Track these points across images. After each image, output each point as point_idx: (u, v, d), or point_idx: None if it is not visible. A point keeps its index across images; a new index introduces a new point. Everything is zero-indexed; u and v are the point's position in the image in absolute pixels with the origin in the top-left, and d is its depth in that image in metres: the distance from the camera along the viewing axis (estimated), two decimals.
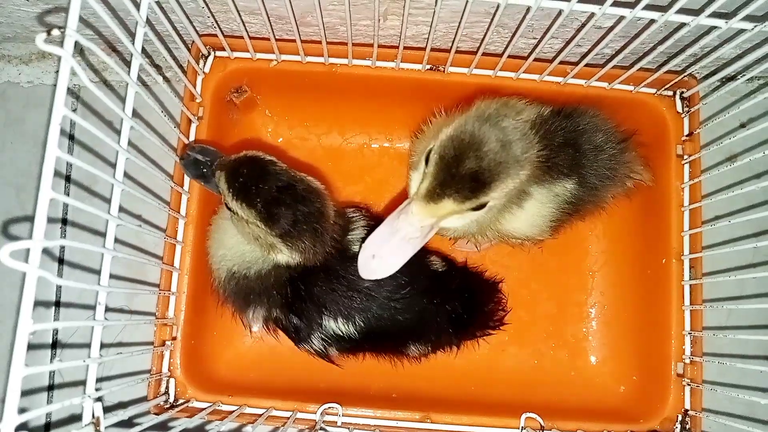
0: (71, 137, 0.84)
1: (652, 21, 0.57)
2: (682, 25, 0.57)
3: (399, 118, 0.82)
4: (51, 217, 0.82)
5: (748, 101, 0.65)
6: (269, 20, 0.66)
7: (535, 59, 0.70)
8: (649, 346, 0.76)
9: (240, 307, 0.69)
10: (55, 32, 0.41)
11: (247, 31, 0.69)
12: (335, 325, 0.67)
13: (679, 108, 0.76)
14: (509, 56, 0.70)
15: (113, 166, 0.54)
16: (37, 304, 0.80)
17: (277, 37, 0.70)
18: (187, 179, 0.73)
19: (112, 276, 0.53)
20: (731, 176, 0.82)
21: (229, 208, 0.62)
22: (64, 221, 0.83)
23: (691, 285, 0.73)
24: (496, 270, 0.81)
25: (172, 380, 0.70)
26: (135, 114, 0.54)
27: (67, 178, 0.83)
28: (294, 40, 0.70)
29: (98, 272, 0.52)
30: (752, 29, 0.56)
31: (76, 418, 0.50)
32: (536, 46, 0.70)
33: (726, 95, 0.75)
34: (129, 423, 0.55)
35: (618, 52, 0.71)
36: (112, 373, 0.78)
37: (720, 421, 0.65)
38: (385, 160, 0.84)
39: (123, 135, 0.54)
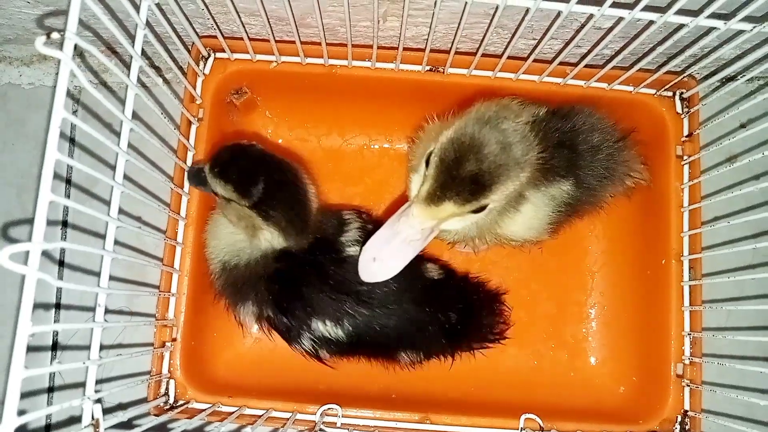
0: (72, 140, 0.84)
1: (652, 22, 0.57)
2: (682, 26, 0.57)
3: (399, 119, 0.82)
4: (51, 220, 0.83)
5: (747, 102, 0.65)
6: (269, 22, 0.66)
7: (535, 60, 0.70)
8: (649, 346, 0.76)
9: (232, 301, 0.70)
10: (55, 35, 0.41)
11: (246, 32, 0.69)
12: (324, 328, 0.67)
13: (678, 109, 0.76)
14: (509, 57, 0.70)
15: (114, 168, 0.54)
16: (38, 306, 0.81)
17: (276, 39, 0.70)
18: (187, 180, 0.73)
19: (112, 278, 0.53)
20: (731, 177, 0.82)
21: (216, 193, 0.66)
22: (65, 224, 0.83)
23: (690, 286, 0.73)
24: (496, 271, 0.81)
25: (172, 381, 0.70)
26: (135, 116, 0.55)
27: (68, 181, 0.84)
28: (294, 42, 0.70)
29: (98, 274, 0.52)
30: (751, 30, 0.56)
31: (76, 420, 0.50)
32: (536, 47, 0.70)
33: (726, 96, 0.76)
34: (129, 424, 0.55)
35: (617, 52, 0.71)
36: (112, 374, 0.78)
37: (719, 422, 0.65)
38: (385, 161, 0.84)
39: (123, 137, 0.54)
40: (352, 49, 0.71)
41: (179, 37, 0.67)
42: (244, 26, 0.68)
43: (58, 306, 0.82)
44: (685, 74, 0.73)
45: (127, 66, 0.55)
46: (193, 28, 0.69)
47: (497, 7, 0.56)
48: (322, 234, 0.69)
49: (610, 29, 0.65)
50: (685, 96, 0.76)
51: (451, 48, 0.70)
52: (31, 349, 0.80)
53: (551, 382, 0.80)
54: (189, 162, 0.73)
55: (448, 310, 0.70)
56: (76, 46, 0.43)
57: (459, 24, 0.63)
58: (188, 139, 0.73)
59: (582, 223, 0.80)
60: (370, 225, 0.72)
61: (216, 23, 0.70)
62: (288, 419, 0.68)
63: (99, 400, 0.50)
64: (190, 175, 0.70)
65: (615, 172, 0.68)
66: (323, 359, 0.72)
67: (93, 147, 0.83)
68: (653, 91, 0.76)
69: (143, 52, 0.63)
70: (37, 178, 0.41)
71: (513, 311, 0.80)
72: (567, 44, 0.73)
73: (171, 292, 0.71)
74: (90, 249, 0.48)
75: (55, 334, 0.81)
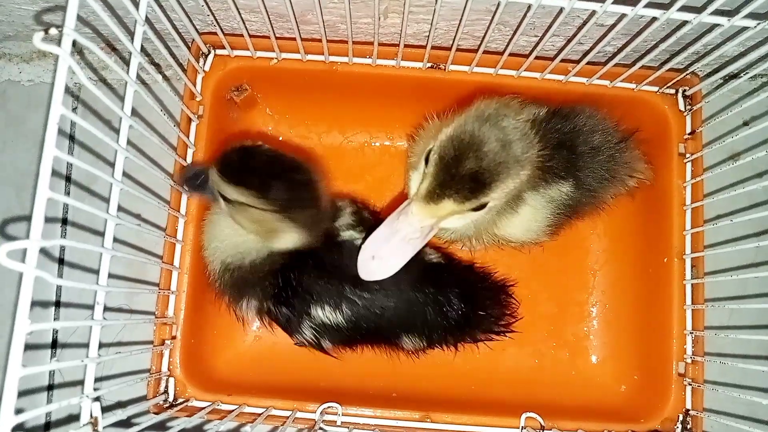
0: (71, 137, 0.84)
1: (654, 19, 0.56)
2: (685, 22, 0.57)
3: (400, 116, 0.81)
4: (51, 217, 0.82)
5: (751, 99, 0.64)
6: (269, 18, 0.66)
7: (537, 57, 0.69)
8: (651, 345, 0.76)
9: (234, 299, 0.70)
10: (53, 31, 0.41)
11: (247, 29, 0.69)
12: (323, 314, 0.67)
13: (681, 106, 0.76)
14: (510, 54, 0.70)
15: (113, 165, 0.53)
16: (38, 304, 0.81)
17: (277, 36, 0.70)
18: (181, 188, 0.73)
19: (112, 275, 0.53)
20: (733, 175, 0.81)
21: (227, 199, 0.62)
22: (65, 221, 0.83)
23: (692, 284, 0.73)
24: (496, 269, 0.81)
25: (171, 379, 0.69)
26: (135, 113, 0.54)
27: (68, 179, 0.83)
28: (294, 38, 0.69)
29: (98, 272, 0.52)
30: (755, 27, 0.56)
31: (75, 418, 0.50)
32: (537, 44, 0.70)
33: (729, 93, 0.75)
34: (128, 422, 0.54)
35: (620, 50, 0.70)
36: (112, 372, 0.78)
37: (721, 422, 0.65)
38: (386, 158, 0.84)
39: (122, 134, 0.54)
40: (353, 46, 0.71)
41: (179, 33, 0.66)
42: (244, 23, 0.68)
43: (58, 304, 0.82)
44: (687, 71, 0.73)
45: (127, 63, 0.55)
46: (193, 25, 0.69)
47: (499, 4, 0.56)
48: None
49: (613, 26, 0.64)
50: (687, 93, 0.75)
51: (452, 45, 0.69)
52: (30, 347, 0.80)
53: (552, 381, 0.80)
54: (189, 159, 0.73)
55: (447, 292, 0.70)
56: (75, 43, 0.43)
57: (460, 21, 0.62)
58: (188, 137, 0.73)
59: (583, 222, 0.79)
60: (365, 212, 0.73)
61: (216, 20, 0.70)
62: (288, 417, 0.67)
63: (98, 398, 0.50)
64: (186, 181, 0.67)
65: (616, 174, 0.68)
66: (326, 349, 0.71)
67: (93, 145, 0.83)
68: (656, 89, 0.75)
69: (143, 49, 0.63)
70: (36, 176, 0.40)
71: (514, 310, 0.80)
72: (569, 41, 0.73)
73: (171, 290, 0.71)
74: (88, 246, 0.48)
75: (55, 332, 0.81)
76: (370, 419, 0.70)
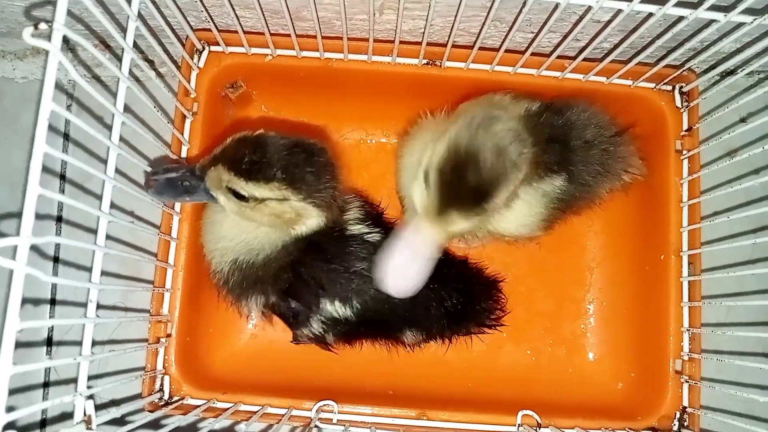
0: (66, 136, 0.83)
1: (650, 14, 0.56)
2: (681, 18, 0.57)
3: (396, 113, 0.81)
4: (45, 215, 0.82)
5: (747, 96, 0.64)
6: (263, 15, 0.65)
7: (533, 54, 0.69)
8: (648, 342, 0.76)
9: (241, 296, 0.68)
10: (43, 26, 0.40)
11: (241, 25, 0.69)
12: (332, 308, 0.67)
13: (678, 103, 0.75)
14: (506, 51, 0.70)
15: (106, 163, 0.53)
16: (32, 301, 0.80)
17: (272, 32, 0.70)
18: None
19: (107, 273, 0.52)
20: (730, 171, 0.81)
21: (240, 197, 0.60)
22: (59, 219, 0.83)
23: (689, 281, 0.73)
24: (493, 267, 0.81)
25: (166, 377, 0.69)
26: (129, 111, 0.54)
27: (62, 177, 0.83)
28: (289, 35, 0.69)
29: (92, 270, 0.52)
30: (752, 22, 0.56)
31: (69, 416, 0.50)
32: (533, 40, 0.70)
33: (725, 90, 0.75)
34: (122, 421, 0.54)
35: (616, 46, 0.70)
36: (108, 370, 0.78)
37: (718, 419, 0.65)
38: (382, 155, 0.84)
39: (114, 131, 0.53)
40: (349, 42, 0.71)
41: (173, 30, 0.66)
42: (238, 19, 0.67)
43: (53, 302, 0.81)
44: (684, 68, 0.72)
45: (120, 60, 0.54)
46: (187, 21, 0.68)
47: (494, 0, 0.56)
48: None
49: (609, 22, 0.64)
50: (684, 90, 0.75)
51: (448, 41, 0.69)
52: (25, 344, 0.80)
53: (549, 379, 0.80)
54: (183, 155, 0.72)
55: (448, 286, 0.70)
56: (68, 40, 0.42)
57: (456, 17, 0.62)
58: (182, 134, 0.72)
59: (580, 219, 0.79)
60: (371, 207, 0.73)
61: (210, 16, 0.69)
62: (283, 415, 0.67)
63: (91, 396, 0.50)
64: (162, 188, 0.62)
65: (610, 168, 0.68)
66: (329, 343, 0.71)
67: (87, 143, 0.82)
68: (652, 85, 0.75)
69: (137, 46, 0.63)
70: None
71: (511, 308, 0.80)
72: (565, 37, 0.72)
73: (165, 288, 0.70)
74: (80, 244, 0.48)
75: (51, 329, 0.81)
76: (366, 417, 0.70)
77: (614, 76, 0.73)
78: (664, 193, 0.75)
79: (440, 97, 0.73)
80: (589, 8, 0.57)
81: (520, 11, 0.61)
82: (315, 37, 0.69)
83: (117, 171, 0.53)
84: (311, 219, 0.63)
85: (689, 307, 0.72)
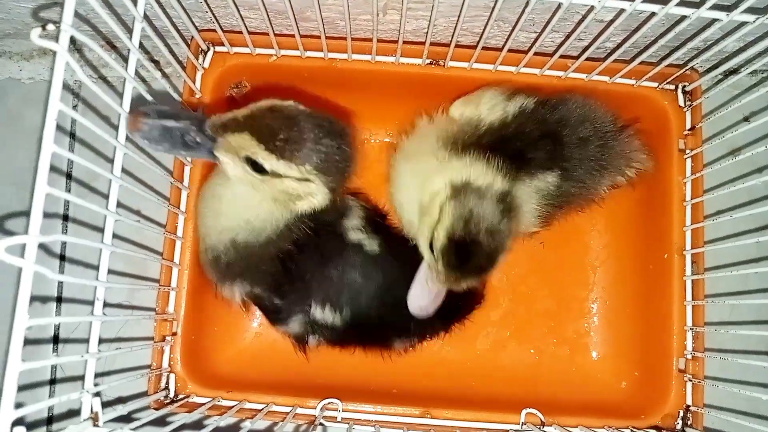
0: (72, 135, 0.84)
1: (653, 14, 0.56)
2: (684, 17, 0.57)
3: (399, 113, 0.81)
4: (52, 214, 0.83)
5: (750, 94, 0.64)
6: (268, 15, 0.66)
7: (536, 53, 0.69)
8: (651, 341, 0.76)
9: (227, 278, 0.67)
10: (50, 27, 0.41)
11: (246, 26, 0.69)
12: (320, 313, 0.67)
13: (681, 102, 0.76)
14: (509, 50, 0.70)
15: (113, 162, 0.54)
16: (39, 299, 0.81)
17: (276, 32, 0.70)
18: (186, 175, 0.73)
19: (113, 272, 0.53)
20: (734, 170, 0.81)
21: (259, 169, 0.57)
22: (66, 218, 0.83)
23: (693, 280, 0.73)
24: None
25: (172, 375, 0.70)
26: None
27: (68, 176, 0.84)
28: (293, 35, 0.69)
29: (98, 268, 0.52)
30: (754, 21, 0.56)
31: (76, 413, 0.50)
32: (536, 39, 0.70)
33: (728, 89, 0.75)
34: (128, 418, 0.55)
35: (619, 45, 0.70)
36: (114, 367, 0.78)
37: (722, 417, 0.65)
38: (385, 155, 0.84)
39: (121, 131, 0.54)
40: (352, 42, 0.71)
41: (178, 30, 0.66)
42: (243, 20, 0.68)
43: (59, 299, 0.82)
44: (687, 67, 0.72)
45: (126, 60, 0.55)
46: (192, 22, 0.69)
47: (497, 0, 0.56)
48: (324, 215, 0.66)
49: (612, 21, 0.64)
50: (687, 89, 0.75)
51: (451, 41, 0.69)
52: (32, 342, 0.81)
53: (553, 378, 0.80)
54: (188, 158, 0.73)
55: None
56: (75, 41, 0.43)
57: (459, 17, 0.62)
58: None
59: (583, 218, 0.79)
60: (375, 215, 0.72)
61: (215, 17, 0.70)
62: (288, 413, 0.67)
63: (98, 394, 0.51)
64: (155, 135, 0.55)
65: (609, 165, 0.69)
66: (307, 346, 0.71)
67: (93, 142, 0.83)
68: (655, 85, 0.75)
69: (142, 47, 0.63)
70: (36, 172, 0.41)
71: (514, 307, 0.81)
72: (568, 37, 0.72)
73: (171, 286, 0.71)
74: (87, 242, 0.48)
75: (57, 327, 0.81)
76: (370, 415, 0.70)
77: (617, 75, 0.73)
78: (667, 192, 0.75)
79: (443, 97, 0.74)
80: (592, 8, 0.57)
81: (523, 11, 0.61)
82: (319, 37, 0.69)
83: (123, 171, 0.54)
84: (316, 198, 0.61)
85: (692, 305, 0.72)
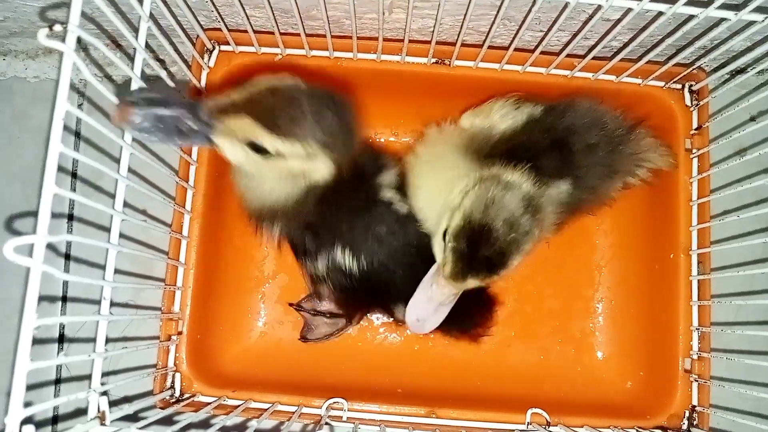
0: (77, 134, 0.84)
1: (661, 13, 0.56)
2: (691, 17, 0.56)
3: (404, 112, 0.81)
4: (57, 213, 0.83)
5: (758, 94, 0.64)
6: (273, 14, 0.66)
7: (542, 52, 0.69)
8: (657, 341, 0.75)
9: (266, 220, 0.68)
10: (57, 27, 0.41)
11: (251, 24, 0.69)
12: (342, 256, 0.66)
13: (687, 101, 0.75)
14: (515, 49, 0.70)
15: (119, 162, 0.54)
16: (45, 299, 0.81)
17: (281, 31, 0.70)
18: (192, 174, 0.73)
19: (118, 271, 0.53)
20: (740, 170, 0.81)
21: (261, 150, 0.57)
22: (71, 217, 0.83)
23: (699, 280, 0.73)
24: None
25: (177, 375, 0.70)
26: None
27: (74, 174, 0.84)
28: (299, 34, 0.69)
29: (104, 267, 0.52)
30: (763, 21, 0.55)
31: (82, 412, 0.51)
32: (543, 38, 0.70)
33: (735, 88, 0.75)
34: (135, 417, 0.55)
35: (626, 44, 0.70)
36: (119, 367, 0.78)
37: (728, 418, 0.65)
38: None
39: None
40: (358, 41, 0.71)
41: (183, 30, 0.66)
42: (248, 18, 0.68)
43: (64, 299, 0.82)
44: (694, 66, 0.72)
45: (132, 59, 0.55)
46: (198, 21, 0.69)
47: None
48: (360, 168, 0.66)
49: (619, 21, 0.64)
50: (694, 88, 0.75)
51: (457, 40, 0.69)
52: (38, 341, 0.81)
53: (558, 377, 0.80)
54: (194, 156, 0.73)
55: None
56: (80, 40, 0.43)
57: (465, 16, 0.62)
58: None
59: (589, 218, 0.79)
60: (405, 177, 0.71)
61: (220, 16, 0.70)
62: (294, 413, 0.68)
63: (105, 393, 0.51)
64: (149, 127, 0.52)
65: (619, 168, 0.68)
66: (319, 292, 0.72)
67: (99, 141, 0.83)
68: (662, 84, 0.75)
69: (148, 46, 0.63)
70: (42, 172, 0.41)
71: (520, 306, 0.80)
72: (574, 36, 0.72)
73: (177, 286, 0.71)
74: (94, 242, 0.48)
75: (62, 326, 0.81)
76: (375, 415, 0.70)
77: (624, 74, 0.73)
78: (674, 191, 0.75)
79: (449, 96, 0.73)
80: (599, 7, 0.57)
81: (530, 10, 0.61)
82: (324, 36, 0.69)
83: (129, 170, 0.54)
84: (323, 173, 0.61)
85: (698, 305, 0.72)
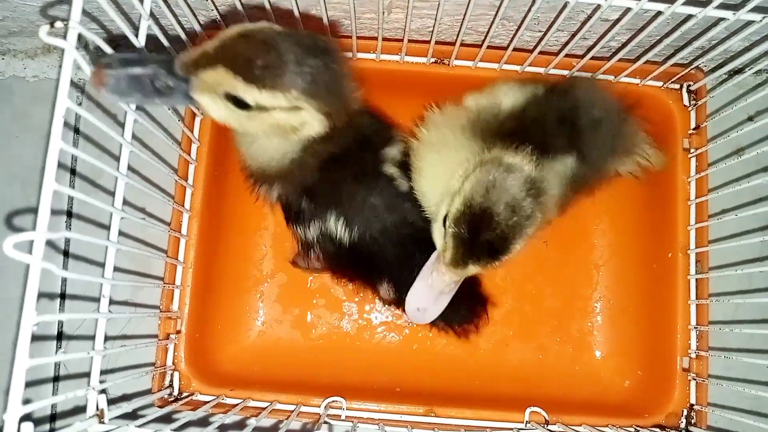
0: (76, 130, 0.84)
1: (659, 13, 0.56)
2: (690, 16, 0.57)
3: (403, 111, 0.81)
4: (56, 210, 0.83)
5: (755, 94, 0.64)
6: (273, 14, 0.66)
7: (541, 52, 0.69)
8: (655, 340, 0.76)
9: (264, 182, 0.67)
10: (59, 24, 0.41)
11: None
12: (334, 224, 0.65)
13: (686, 101, 0.76)
14: (514, 49, 0.70)
15: (118, 159, 0.54)
16: (43, 296, 0.81)
17: None
18: (191, 173, 0.73)
19: (117, 269, 0.53)
20: (738, 169, 0.81)
21: (242, 105, 0.53)
22: (69, 214, 0.83)
23: (697, 279, 0.73)
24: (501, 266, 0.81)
25: (176, 373, 0.70)
26: (140, 108, 0.54)
27: (72, 171, 0.84)
28: None
29: (103, 265, 0.52)
30: (761, 21, 0.56)
31: (81, 410, 0.50)
32: (542, 38, 0.70)
33: (733, 88, 0.75)
34: (133, 415, 0.55)
35: (624, 44, 0.70)
36: (118, 365, 0.78)
37: (726, 416, 0.65)
38: None
39: (127, 128, 0.54)
40: (357, 41, 0.71)
41: (184, 29, 0.66)
42: (248, 18, 0.68)
43: (63, 296, 0.82)
44: (692, 66, 0.72)
45: None
46: (198, 21, 0.69)
47: None
48: (365, 134, 0.65)
49: (617, 21, 0.64)
50: (692, 88, 0.75)
51: (456, 40, 0.69)
52: (36, 338, 0.80)
53: (556, 376, 0.80)
54: (193, 154, 0.73)
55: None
56: (80, 37, 0.43)
57: (464, 16, 0.62)
58: (192, 132, 0.73)
59: (588, 217, 0.79)
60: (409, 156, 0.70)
61: (220, 15, 0.70)
62: (292, 412, 0.68)
63: (104, 391, 0.51)
64: (123, 87, 0.50)
65: (620, 145, 0.68)
66: (309, 260, 0.71)
67: (98, 138, 0.83)
68: (660, 84, 0.75)
69: (147, 44, 0.63)
70: (42, 170, 0.41)
71: (518, 305, 0.80)
72: (573, 36, 0.73)
73: (175, 284, 0.71)
74: (94, 239, 0.48)
75: (61, 324, 0.81)
76: (374, 413, 0.70)
77: (622, 74, 0.73)
78: (672, 191, 0.75)
79: (448, 96, 0.73)
80: (598, 7, 0.57)
81: (529, 10, 0.61)
82: (324, 35, 0.69)
83: (128, 168, 0.54)
84: (314, 128, 0.58)
85: (697, 304, 0.72)
